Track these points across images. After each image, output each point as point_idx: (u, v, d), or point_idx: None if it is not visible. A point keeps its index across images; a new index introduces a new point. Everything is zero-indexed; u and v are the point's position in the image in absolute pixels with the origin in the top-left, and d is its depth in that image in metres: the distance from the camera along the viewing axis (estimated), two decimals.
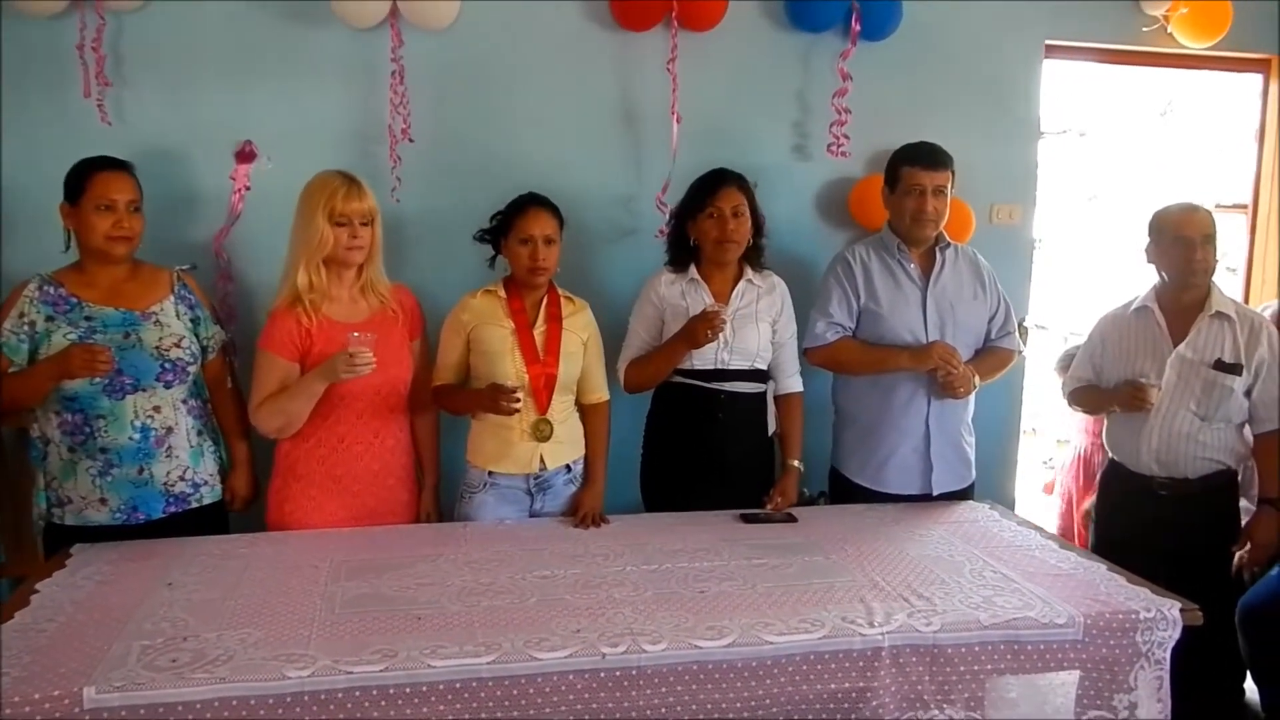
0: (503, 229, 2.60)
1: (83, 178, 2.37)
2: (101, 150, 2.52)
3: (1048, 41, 3.38)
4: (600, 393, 2.72)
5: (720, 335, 2.60)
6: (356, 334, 2.34)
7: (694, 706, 1.83)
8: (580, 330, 2.66)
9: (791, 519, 2.61)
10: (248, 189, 2.92)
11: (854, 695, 1.90)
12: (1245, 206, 3.95)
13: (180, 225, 2.85)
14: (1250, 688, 3.08)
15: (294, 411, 2.42)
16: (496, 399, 2.41)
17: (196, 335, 2.50)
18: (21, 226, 2.79)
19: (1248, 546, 2.83)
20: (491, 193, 2.73)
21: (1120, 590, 2.16)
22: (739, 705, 1.85)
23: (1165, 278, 2.84)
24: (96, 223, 2.36)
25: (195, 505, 2.48)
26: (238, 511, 2.63)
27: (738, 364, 2.69)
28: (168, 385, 2.41)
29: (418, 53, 2.92)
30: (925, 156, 2.72)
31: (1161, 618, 2.05)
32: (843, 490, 2.90)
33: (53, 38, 2.75)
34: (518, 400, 2.42)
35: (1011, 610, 2.02)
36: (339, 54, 2.93)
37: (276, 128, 2.93)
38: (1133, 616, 2.04)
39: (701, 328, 2.54)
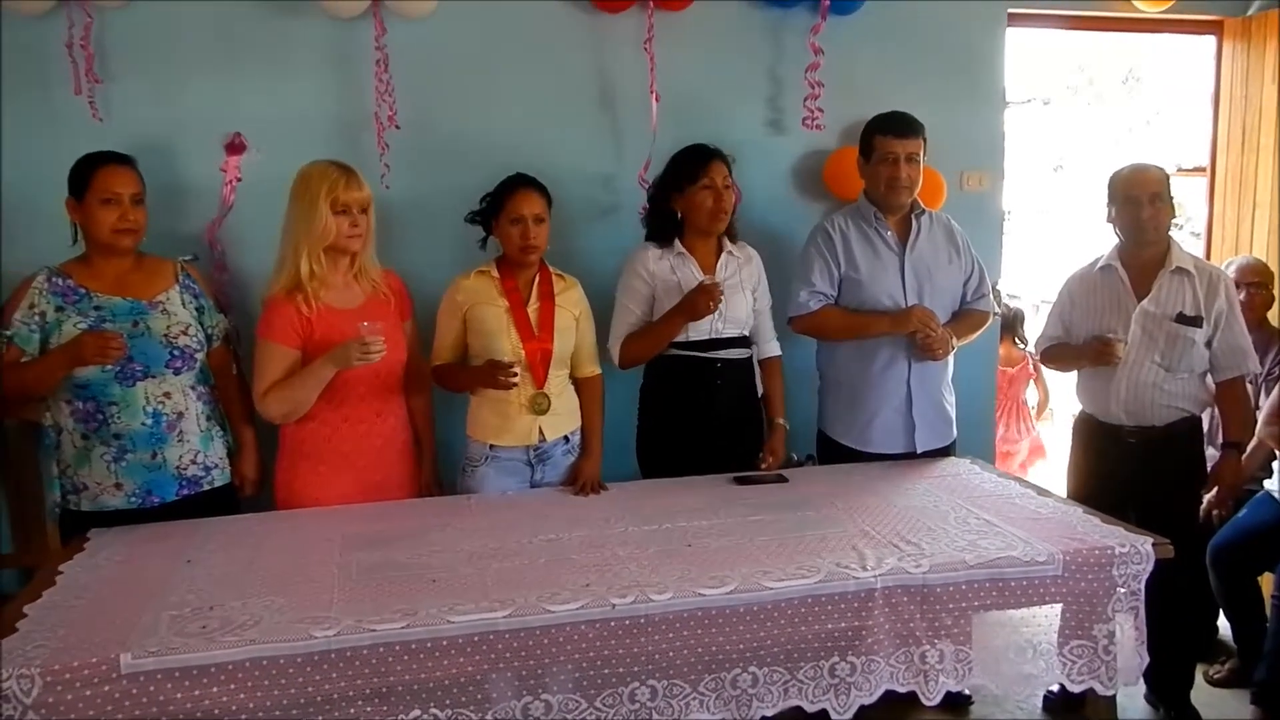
0: (493, 210, 2.68)
1: (87, 173, 2.43)
2: (92, 146, 2.56)
3: (1011, 9, 3.48)
4: (593, 366, 2.82)
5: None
6: (366, 324, 2.41)
7: (699, 649, 1.93)
8: (572, 306, 2.75)
9: (782, 479, 2.71)
10: (239, 180, 2.97)
11: (849, 634, 2.00)
12: (1204, 169, 4.07)
13: (172, 217, 2.89)
14: (1223, 623, 3.23)
15: (302, 399, 2.49)
16: (495, 375, 2.49)
17: (201, 324, 2.57)
18: (16, 223, 2.83)
19: (1215, 490, 2.97)
20: (475, 176, 2.79)
21: (1096, 530, 2.27)
22: (741, 647, 1.95)
23: (1122, 237, 2.96)
24: (102, 216, 2.42)
25: (207, 488, 2.55)
26: (246, 495, 2.69)
27: (729, 332, 2.80)
28: (176, 372, 2.48)
29: (400, 40, 2.98)
30: (897, 125, 2.82)
31: (1135, 552, 2.16)
32: (830, 452, 3.01)
33: (40, 36, 2.79)
34: (515, 375, 2.50)
35: (995, 551, 2.13)
36: (323, 44, 2.99)
37: (264, 118, 2.98)
38: (1108, 552, 2.15)
39: (702, 300, 2.64)
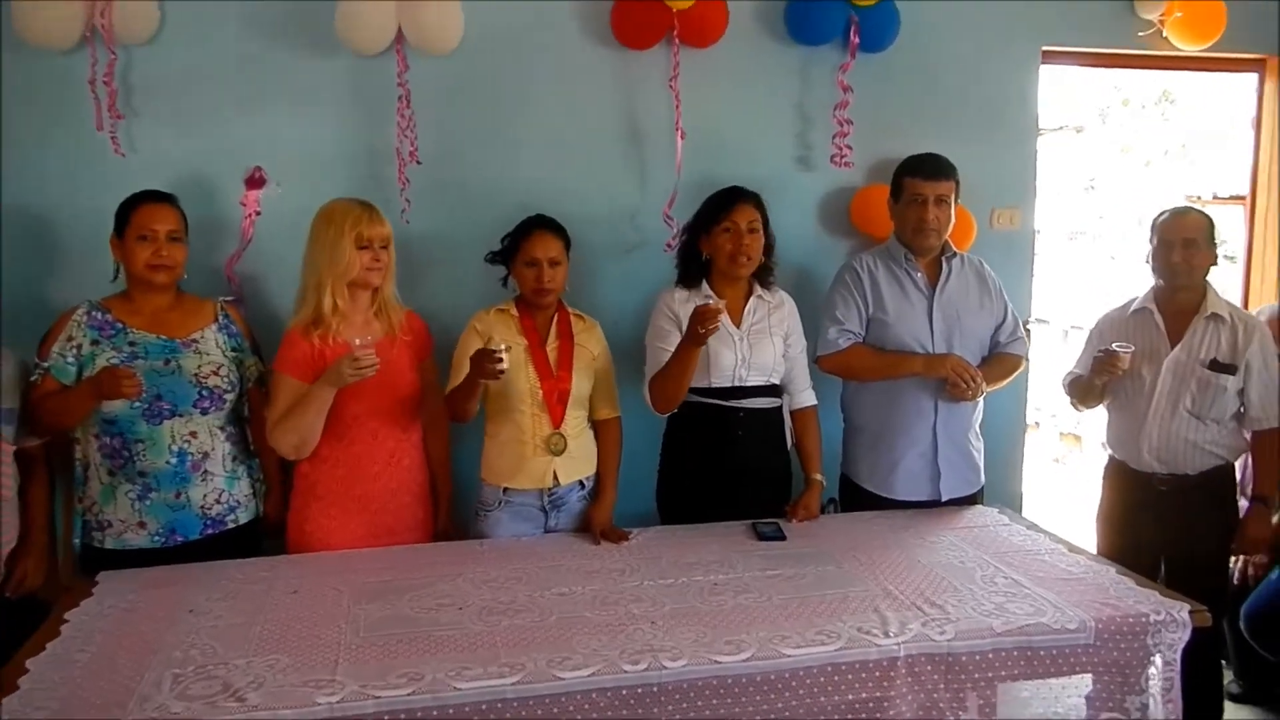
0: (511, 251, 2.66)
1: (127, 211, 2.48)
2: (117, 180, 2.62)
3: (1044, 47, 3.41)
4: (612, 409, 2.77)
5: (738, 351, 2.67)
6: (359, 340, 2.41)
7: None
8: (592, 346, 2.71)
9: (782, 537, 2.58)
10: (258, 214, 2.96)
11: (871, 705, 1.93)
12: (1244, 198, 3.99)
13: (193, 251, 2.86)
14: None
15: (307, 425, 2.45)
16: (481, 363, 2.38)
17: (236, 365, 2.56)
18: (42, 255, 2.85)
19: (1242, 545, 2.89)
20: (498, 212, 2.79)
21: (1130, 594, 2.19)
22: (759, 718, 1.88)
23: (1157, 278, 2.92)
24: (138, 252, 2.45)
25: (231, 525, 2.54)
26: (270, 526, 2.67)
27: (755, 380, 2.72)
28: (204, 412, 2.47)
29: (423, 76, 2.95)
30: (927, 167, 2.76)
31: (1171, 620, 2.08)
32: (853, 496, 2.94)
33: (64, 72, 2.79)
34: (501, 360, 2.37)
35: (1024, 617, 2.06)
36: (345, 80, 2.97)
37: (286, 153, 2.96)
38: (1143, 620, 2.07)
39: (693, 326, 2.45)
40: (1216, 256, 2.87)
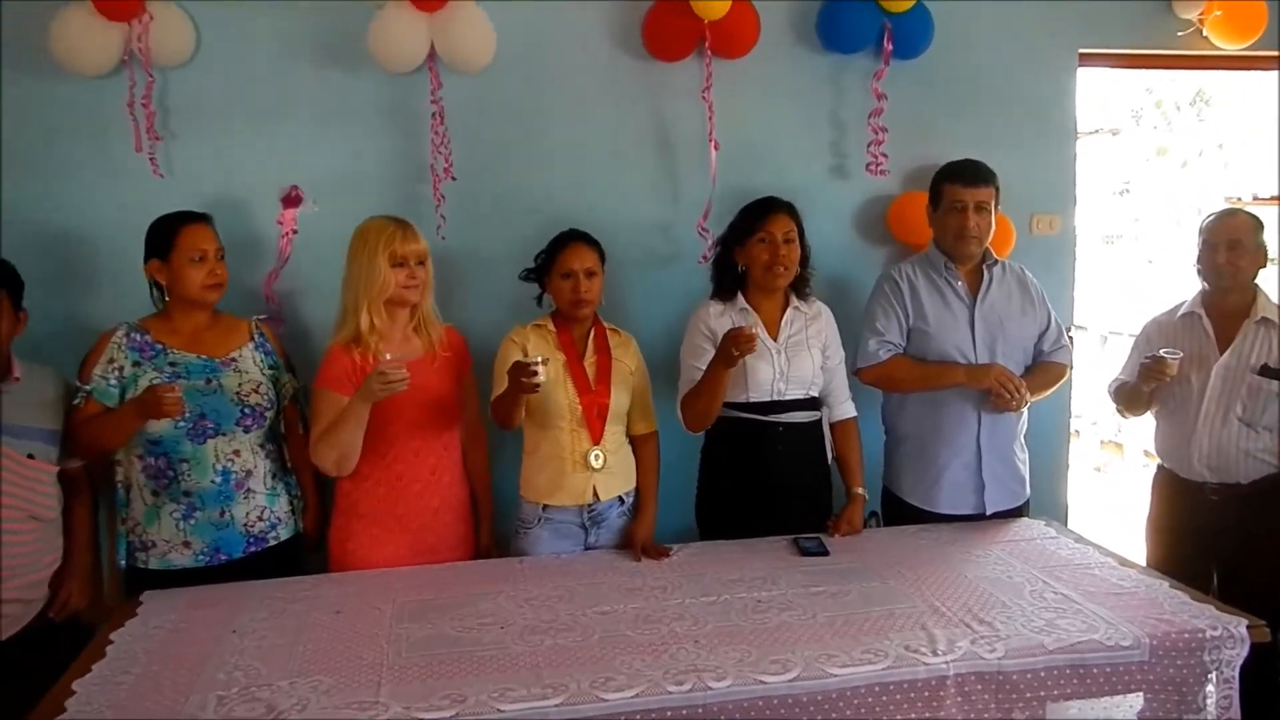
0: (546, 265, 2.65)
1: (171, 233, 2.48)
2: (154, 201, 2.63)
3: (1081, 50, 3.35)
4: (649, 424, 2.75)
5: (776, 365, 2.64)
6: (388, 355, 2.41)
7: None
8: (629, 360, 2.69)
9: (825, 552, 2.55)
10: (295, 233, 2.97)
11: None
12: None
13: (231, 271, 2.89)
14: None
15: (346, 441, 2.44)
16: (518, 377, 2.34)
17: (273, 382, 2.58)
18: (77, 278, 2.88)
19: None
20: (533, 226, 2.79)
21: (1184, 608, 2.14)
22: None
23: (1203, 281, 2.87)
24: (191, 274, 2.46)
25: (273, 543, 2.55)
26: (309, 542, 2.69)
27: (793, 393, 2.68)
28: (247, 430, 2.49)
29: (456, 93, 2.96)
30: (966, 173, 2.73)
31: (1228, 636, 2.03)
32: (895, 510, 2.90)
33: (102, 96, 2.82)
34: (536, 373, 2.33)
35: (1076, 633, 2.01)
36: (379, 98, 2.98)
37: (321, 172, 2.97)
38: (1199, 635, 2.02)
39: (727, 345, 2.43)
40: (1266, 259, 2.81)
